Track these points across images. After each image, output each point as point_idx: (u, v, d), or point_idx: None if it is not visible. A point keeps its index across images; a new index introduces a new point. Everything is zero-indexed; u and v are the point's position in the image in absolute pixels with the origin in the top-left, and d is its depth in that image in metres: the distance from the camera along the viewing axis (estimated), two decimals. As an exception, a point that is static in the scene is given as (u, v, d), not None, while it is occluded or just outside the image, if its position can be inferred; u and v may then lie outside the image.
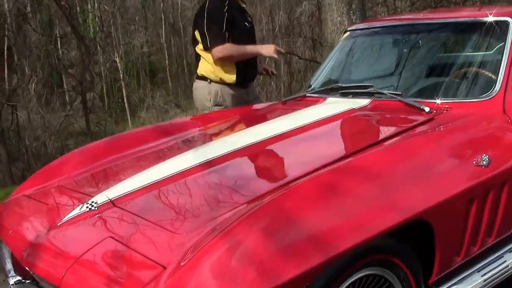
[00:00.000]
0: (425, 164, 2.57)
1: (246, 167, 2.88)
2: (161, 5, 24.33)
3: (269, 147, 2.98)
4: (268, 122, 3.35)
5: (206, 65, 4.41)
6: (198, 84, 4.53)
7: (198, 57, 4.52)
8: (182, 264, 1.97)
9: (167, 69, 23.96)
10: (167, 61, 23.82)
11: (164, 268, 2.01)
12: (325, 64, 4.18)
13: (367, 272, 2.29)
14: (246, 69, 4.47)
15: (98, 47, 19.75)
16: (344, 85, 3.63)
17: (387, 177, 2.42)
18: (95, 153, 3.37)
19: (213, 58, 4.32)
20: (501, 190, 2.75)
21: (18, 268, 2.82)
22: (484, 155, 2.69)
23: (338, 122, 3.21)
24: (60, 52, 18.70)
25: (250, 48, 4.40)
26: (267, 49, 4.37)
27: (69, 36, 17.74)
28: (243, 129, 3.33)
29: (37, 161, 13.20)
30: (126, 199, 2.63)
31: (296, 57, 13.49)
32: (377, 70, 3.86)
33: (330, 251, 2.05)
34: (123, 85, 20.80)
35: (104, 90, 21.30)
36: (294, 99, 3.93)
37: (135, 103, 21.38)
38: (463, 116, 2.99)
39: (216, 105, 4.39)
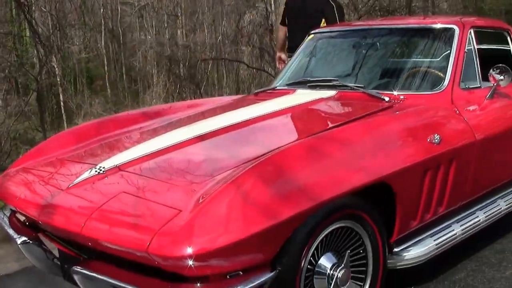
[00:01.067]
0: (388, 138, 3.14)
1: (238, 139, 3.36)
2: (101, 10, 24.43)
3: (254, 125, 3.48)
4: (247, 107, 3.85)
5: None
6: None
7: None
8: (199, 202, 2.46)
9: (106, 75, 24.15)
10: (106, 67, 23.94)
11: (180, 211, 2.50)
12: (291, 62, 4.74)
13: (342, 224, 2.83)
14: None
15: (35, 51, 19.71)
16: (311, 79, 4.21)
17: (358, 146, 2.97)
18: (88, 132, 3.79)
19: None
20: (449, 166, 3.35)
21: (22, 231, 3.24)
22: (436, 134, 3.29)
23: (311, 107, 3.76)
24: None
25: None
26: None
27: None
28: (227, 111, 3.82)
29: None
30: (131, 164, 3.06)
31: (245, 66, 14.04)
32: (339, 68, 4.44)
33: (316, 198, 2.59)
34: (60, 90, 20.78)
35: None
36: (265, 91, 4.47)
37: (72, 109, 21.36)
38: (417, 105, 3.60)
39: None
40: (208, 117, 3.75)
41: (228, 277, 2.46)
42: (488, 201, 3.87)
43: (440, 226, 3.47)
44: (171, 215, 2.47)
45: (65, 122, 19.86)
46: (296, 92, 4.11)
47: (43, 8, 21.79)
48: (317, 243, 2.73)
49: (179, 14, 23.30)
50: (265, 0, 12.89)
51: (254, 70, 14.01)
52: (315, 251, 2.74)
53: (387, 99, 3.68)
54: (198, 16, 23.05)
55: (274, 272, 2.54)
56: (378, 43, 4.31)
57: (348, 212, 2.84)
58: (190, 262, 2.30)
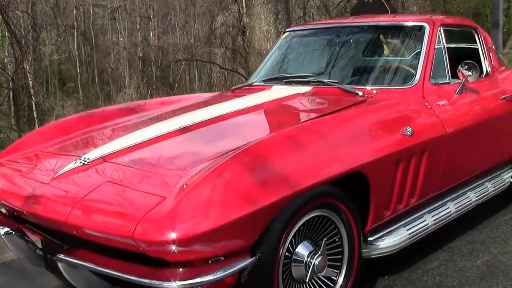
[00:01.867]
0: (362, 129, 3.24)
1: (218, 132, 3.42)
2: (74, 11, 24.34)
3: (233, 119, 3.55)
4: (225, 102, 3.92)
5: None
6: None
7: None
8: (183, 189, 2.52)
9: (78, 77, 24.07)
10: (78, 69, 23.86)
11: (164, 198, 2.56)
12: (266, 60, 4.82)
13: (319, 213, 2.91)
14: None
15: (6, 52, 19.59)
16: (287, 75, 4.30)
17: (334, 137, 3.06)
18: (69, 126, 3.81)
19: None
20: (421, 158, 3.46)
21: (4, 222, 3.27)
22: (408, 127, 3.39)
23: (287, 102, 3.85)
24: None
25: None
26: None
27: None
28: (206, 106, 3.89)
29: None
30: (116, 155, 3.11)
31: (218, 68, 14.09)
32: (314, 65, 4.55)
33: (294, 186, 2.68)
34: (32, 92, 20.67)
35: (11, 96, 21.03)
36: (241, 87, 4.55)
37: (44, 111, 21.24)
38: (390, 99, 3.70)
39: None
40: (188, 111, 3.80)
41: (210, 262, 2.53)
42: (459, 193, 4.01)
43: (413, 217, 3.59)
44: (156, 202, 2.53)
45: (36, 124, 19.74)
46: (272, 88, 4.19)
47: (16, 11, 21.74)
48: (294, 231, 2.81)
49: (151, 16, 23.30)
50: (237, 1, 12.95)
51: (227, 71, 14.08)
52: (292, 239, 2.83)
53: (360, 93, 3.78)
54: (171, 18, 23.05)
55: (254, 258, 2.62)
56: (351, 40, 4.42)
57: (324, 201, 2.92)
58: (174, 247, 2.36)
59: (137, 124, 3.74)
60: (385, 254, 3.37)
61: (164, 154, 3.15)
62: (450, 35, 4.33)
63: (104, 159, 3.10)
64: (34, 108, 20.37)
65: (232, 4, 14.36)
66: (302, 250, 2.90)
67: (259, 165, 2.68)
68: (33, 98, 20.34)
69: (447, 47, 4.11)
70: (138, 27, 23.55)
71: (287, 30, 4.95)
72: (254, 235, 2.61)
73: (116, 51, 23.05)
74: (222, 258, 2.54)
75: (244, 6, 13.14)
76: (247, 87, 4.46)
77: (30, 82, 20.39)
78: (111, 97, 22.52)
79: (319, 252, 2.93)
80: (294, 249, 2.87)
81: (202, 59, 13.86)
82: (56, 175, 3.01)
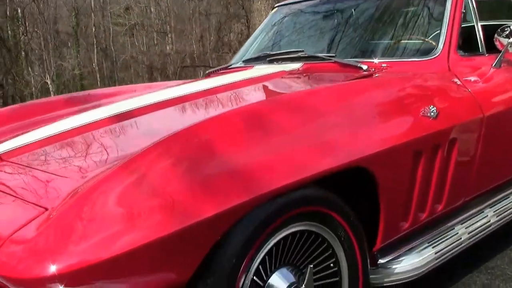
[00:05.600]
0: (366, 108, 2.15)
1: (162, 118, 2.38)
2: (93, 29, 23.87)
3: (188, 102, 2.52)
4: (187, 84, 2.89)
5: None
6: None
7: None
8: (74, 195, 1.51)
9: (100, 91, 23.48)
10: (99, 83, 23.27)
11: (46, 209, 1.55)
12: (250, 42, 3.74)
13: (302, 227, 1.85)
14: None
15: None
16: (272, 53, 3.23)
17: (323, 117, 1.99)
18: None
19: None
20: (451, 149, 2.39)
21: None
22: (432, 106, 2.33)
23: (267, 81, 2.77)
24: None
25: None
26: None
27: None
28: (161, 89, 2.85)
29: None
30: (15, 153, 2.16)
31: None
32: (307, 42, 3.45)
33: (257, 188, 1.62)
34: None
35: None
36: (216, 71, 3.47)
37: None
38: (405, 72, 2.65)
39: None
40: (136, 95, 2.78)
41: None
42: (500, 197, 2.86)
43: (440, 229, 2.49)
44: (33, 215, 1.52)
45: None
46: (253, 68, 3.14)
47: (37, 30, 21.41)
48: (263, 254, 1.76)
49: (168, 31, 22.73)
50: (245, 9, 12.05)
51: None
52: (260, 267, 1.77)
53: (364, 67, 2.72)
54: (186, 34, 22.42)
55: (191, 301, 1.58)
56: (353, 10, 3.34)
57: (309, 210, 1.86)
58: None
59: (60, 116, 2.72)
60: (403, 282, 2.28)
61: (70, 151, 2.13)
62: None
63: (1, 157, 2.11)
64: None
65: (242, 16, 13.58)
66: (278, 281, 1.84)
67: (195, 156, 1.63)
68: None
69: (477, 8, 3.01)
70: (155, 42, 23.09)
71: (276, 5, 3.87)
72: (192, 265, 1.57)
73: (135, 66, 22.60)
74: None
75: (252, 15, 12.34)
76: (223, 70, 3.40)
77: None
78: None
79: (303, 285, 1.86)
80: (265, 281, 1.81)
81: (208, 65, 12.99)
82: None
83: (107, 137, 2.22)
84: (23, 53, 20.44)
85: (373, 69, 2.71)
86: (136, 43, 23.83)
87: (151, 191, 1.50)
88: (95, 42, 23.57)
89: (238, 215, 1.60)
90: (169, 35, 22.64)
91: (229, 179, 1.59)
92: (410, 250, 2.32)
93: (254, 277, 1.75)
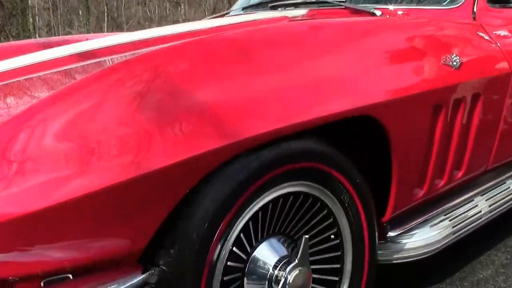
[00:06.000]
0: (378, 49, 1.79)
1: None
2: (104, -2, 23.65)
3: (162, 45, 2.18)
4: (170, 26, 2.57)
5: None
6: None
7: None
8: None
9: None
10: (108, 54, 23.12)
11: None
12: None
13: (295, 188, 1.51)
14: None
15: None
16: None
17: (326, 54, 1.65)
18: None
19: None
20: (473, 106, 2.04)
21: None
22: (454, 55, 1.98)
23: (264, 25, 2.43)
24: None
25: None
26: None
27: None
28: (138, 31, 2.53)
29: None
30: None
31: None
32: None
33: (233, 134, 1.28)
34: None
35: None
36: (212, 18, 3.12)
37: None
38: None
39: None
40: (110, 34, 2.44)
41: (42, 284, 1.16)
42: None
43: (458, 200, 2.17)
44: None
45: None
46: (251, 14, 2.80)
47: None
48: (245, 220, 1.43)
49: (180, 1, 22.40)
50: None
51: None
52: (242, 235, 1.44)
53: (378, 13, 2.36)
54: (199, 3, 22.08)
55: (147, 273, 1.24)
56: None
57: (305, 166, 1.52)
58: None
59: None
60: (416, 259, 1.95)
61: (22, 90, 1.80)
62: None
63: None
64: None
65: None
66: (265, 254, 1.51)
67: (157, 88, 1.29)
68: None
69: None
70: (167, 12, 22.78)
71: None
72: (149, 227, 1.24)
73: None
74: (70, 276, 1.17)
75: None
76: (219, 17, 3.04)
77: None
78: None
79: (297, 260, 1.52)
80: (249, 254, 1.48)
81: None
82: None
83: (56, 77, 1.89)
84: (30, 19, 20.20)
85: (388, 16, 2.36)
86: (148, 13, 23.45)
87: (102, 127, 1.16)
88: (106, 10, 23.15)
89: (210, 166, 1.26)
90: (182, 6, 22.27)
91: (198, 120, 1.25)
92: (424, 223, 2.00)
93: (234, 248, 1.41)
